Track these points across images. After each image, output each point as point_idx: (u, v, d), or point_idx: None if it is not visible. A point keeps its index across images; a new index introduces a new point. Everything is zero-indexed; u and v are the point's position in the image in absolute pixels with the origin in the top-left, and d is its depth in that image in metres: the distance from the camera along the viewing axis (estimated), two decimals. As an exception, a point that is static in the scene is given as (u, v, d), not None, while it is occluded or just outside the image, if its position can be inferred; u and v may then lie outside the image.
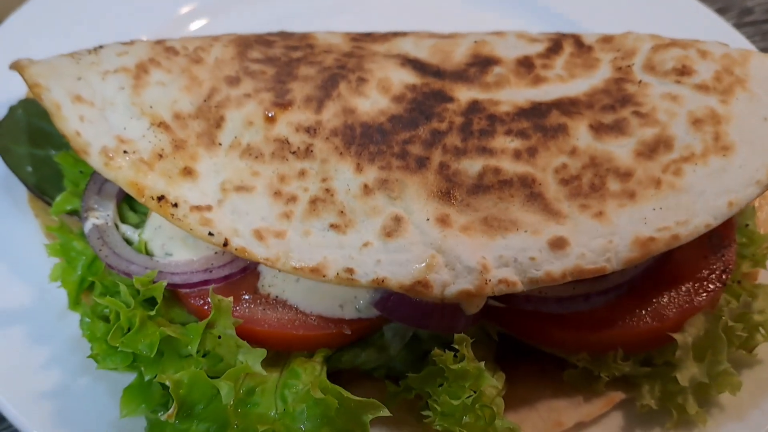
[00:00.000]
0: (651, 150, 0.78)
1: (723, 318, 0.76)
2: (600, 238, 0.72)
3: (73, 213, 0.83)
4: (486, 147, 0.77)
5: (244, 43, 0.89)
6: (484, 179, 0.75)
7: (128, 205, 0.83)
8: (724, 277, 0.78)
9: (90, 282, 0.77)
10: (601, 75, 0.88)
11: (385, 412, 0.65)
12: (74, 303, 0.76)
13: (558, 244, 0.71)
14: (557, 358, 0.80)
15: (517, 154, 0.77)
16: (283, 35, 0.93)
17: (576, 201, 0.74)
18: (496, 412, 0.68)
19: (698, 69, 0.87)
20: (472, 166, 0.76)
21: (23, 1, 1.12)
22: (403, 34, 0.95)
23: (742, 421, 0.77)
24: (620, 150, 0.78)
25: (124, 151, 0.77)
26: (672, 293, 0.77)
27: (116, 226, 0.79)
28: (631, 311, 0.76)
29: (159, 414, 0.64)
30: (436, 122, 0.80)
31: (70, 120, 0.78)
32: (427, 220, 0.73)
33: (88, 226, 0.77)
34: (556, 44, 0.92)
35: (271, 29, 1.13)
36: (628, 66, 0.89)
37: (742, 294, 0.79)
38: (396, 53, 0.90)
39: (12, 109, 0.96)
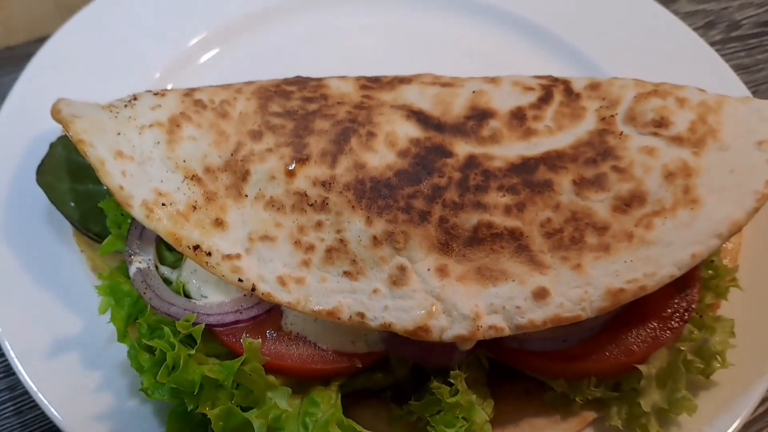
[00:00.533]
0: (626, 204, 0.88)
1: (683, 352, 0.88)
2: (577, 289, 0.83)
3: (117, 253, 0.94)
4: (480, 202, 0.88)
5: (265, 96, 0.99)
6: (478, 232, 0.86)
7: (165, 245, 0.94)
8: (686, 315, 0.89)
9: (135, 317, 0.89)
10: (586, 126, 0.97)
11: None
12: (122, 336, 0.88)
13: (540, 294, 0.82)
14: (540, 380, 0.92)
15: (507, 210, 0.88)
16: (300, 84, 1.03)
17: (558, 253, 0.85)
18: (485, 438, 0.80)
19: (675, 120, 0.97)
20: (468, 220, 0.87)
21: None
22: (409, 80, 1.04)
23: (697, 439, 0.89)
24: (598, 205, 0.88)
25: (162, 204, 0.88)
26: (639, 330, 0.88)
27: (156, 267, 0.90)
28: (603, 347, 0.87)
29: (204, 444, 0.76)
30: (436, 177, 0.90)
31: (114, 175, 0.89)
32: (428, 270, 0.84)
33: (132, 270, 0.88)
34: (547, 93, 1.01)
35: (279, 55, 1.22)
36: (612, 116, 0.98)
37: (703, 328, 0.91)
38: (402, 104, 0.99)
39: (52, 146, 1.05)
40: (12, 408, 0.97)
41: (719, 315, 0.95)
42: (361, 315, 0.83)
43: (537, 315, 0.82)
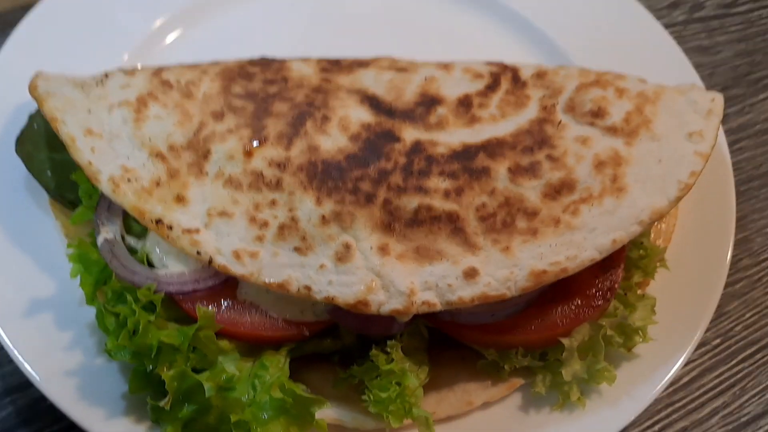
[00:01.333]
0: (556, 191, 0.96)
1: (604, 327, 0.96)
2: (504, 269, 0.91)
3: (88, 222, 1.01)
4: (422, 186, 0.95)
5: (228, 77, 1.05)
6: (418, 215, 0.94)
7: (131, 217, 1.01)
8: (608, 294, 0.97)
9: (103, 282, 0.97)
10: (528, 114, 1.04)
11: (328, 407, 0.86)
12: (91, 300, 0.96)
13: (470, 274, 0.90)
14: (474, 349, 1.01)
15: (446, 194, 0.95)
16: (263, 65, 1.09)
17: (490, 236, 0.93)
18: (414, 403, 0.89)
19: (611, 111, 1.03)
20: (410, 202, 0.94)
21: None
22: (367, 64, 1.10)
23: (615, 407, 0.97)
24: (530, 192, 0.96)
25: (128, 179, 0.95)
26: (564, 307, 0.96)
27: (123, 237, 0.98)
28: (529, 321, 0.96)
29: (159, 402, 0.85)
30: (383, 162, 0.97)
31: (83, 152, 0.96)
32: (371, 248, 0.92)
33: (100, 240, 0.96)
34: (494, 81, 1.08)
35: (242, 39, 1.27)
36: (553, 105, 1.05)
37: (627, 305, 0.99)
38: (357, 88, 1.06)
39: (31, 118, 1.11)
40: (-9, 361, 1.05)
41: (644, 293, 1.03)
42: (308, 288, 0.91)
43: (466, 292, 0.90)
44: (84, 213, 1.01)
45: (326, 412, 0.92)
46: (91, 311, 0.98)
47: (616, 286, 0.98)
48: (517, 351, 0.96)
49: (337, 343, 0.99)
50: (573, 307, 0.97)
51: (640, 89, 1.07)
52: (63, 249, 1.04)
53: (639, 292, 1.03)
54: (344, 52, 1.16)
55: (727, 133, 1.38)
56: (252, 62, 1.10)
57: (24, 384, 1.02)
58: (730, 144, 1.37)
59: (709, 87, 1.46)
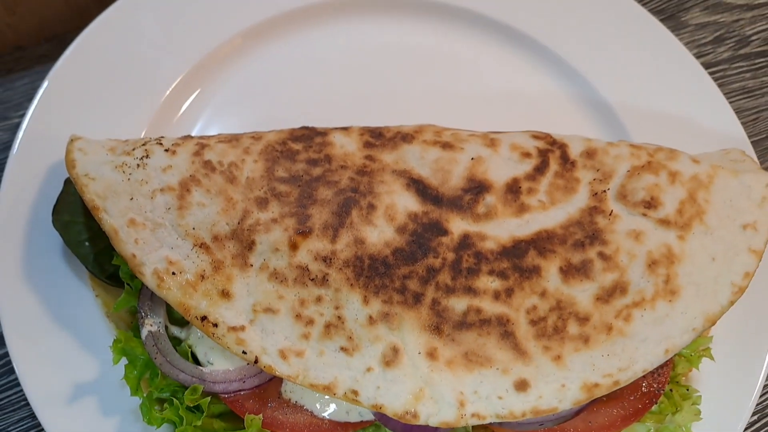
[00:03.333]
0: (608, 295, 0.94)
1: (650, 430, 0.96)
2: (555, 382, 0.90)
3: (131, 311, 1.00)
4: (471, 287, 0.94)
5: (271, 158, 1.02)
6: (467, 317, 0.92)
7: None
8: (656, 398, 0.96)
9: (146, 374, 0.96)
10: (578, 202, 1.01)
11: None
12: (135, 391, 0.95)
13: (522, 386, 0.90)
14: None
15: (496, 295, 0.93)
16: (305, 141, 1.05)
17: (540, 342, 0.92)
18: None
19: (664, 200, 1.01)
20: (458, 303, 0.93)
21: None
22: (411, 138, 1.07)
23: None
24: (582, 294, 0.94)
25: (173, 273, 0.94)
26: (610, 410, 0.96)
27: (166, 327, 0.97)
28: (576, 425, 0.95)
29: None
30: (431, 257, 0.95)
31: (127, 243, 0.94)
32: (419, 353, 0.91)
33: (144, 333, 0.95)
34: (543, 161, 1.04)
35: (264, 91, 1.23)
36: (604, 191, 1.02)
37: (672, 402, 0.99)
38: (403, 168, 1.03)
39: (66, 184, 1.09)
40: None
41: (688, 387, 1.02)
42: (355, 393, 0.90)
43: (517, 406, 0.89)
44: (126, 300, 0.99)
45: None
46: (133, 399, 0.98)
47: (663, 388, 0.97)
48: (564, 453, 0.96)
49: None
50: (620, 410, 0.96)
51: (694, 172, 1.04)
52: (103, 327, 1.04)
53: (683, 383, 1.02)
54: (378, 108, 1.14)
55: (772, 190, 1.34)
56: (294, 136, 1.06)
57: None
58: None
59: (753, 135, 1.42)
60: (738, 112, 1.37)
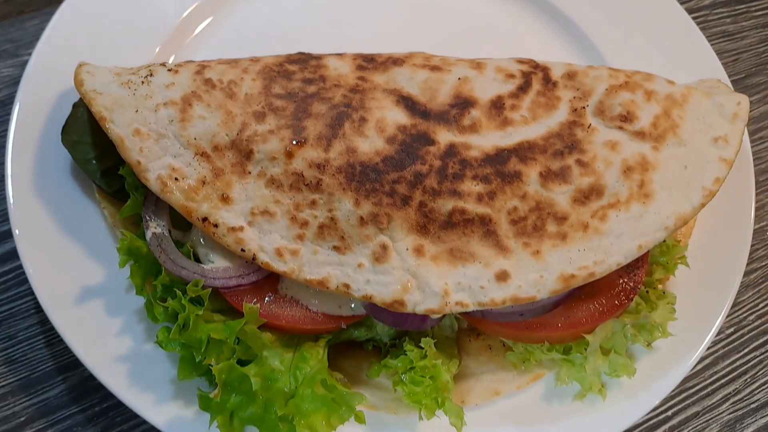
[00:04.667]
0: (585, 197, 1.00)
1: (626, 325, 1.01)
2: (534, 273, 0.96)
3: (136, 217, 1.06)
4: (456, 189, 0.99)
5: (269, 77, 1.08)
6: (452, 217, 0.98)
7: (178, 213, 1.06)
8: (631, 294, 1.02)
9: (151, 274, 1.02)
10: (558, 117, 1.07)
11: (367, 401, 0.93)
12: (140, 290, 1.01)
13: (502, 277, 0.95)
14: (502, 340, 1.06)
15: (479, 197, 0.99)
16: (301, 63, 1.11)
17: (521, 239, 0.98)
18: (446, 397, 0.95)
19: (640, 115, 1.06)
20: (444, 205, 0.99)
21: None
22: (401, 61, 1.13)
23: (633, 399, 1.03)
24: (560, 197, 1.00)
25: (175, 178, 1.00)
26: (589, 305, 1.02)
27: (170, 231, 1.03)
28: (556, 319, 1.01)
29: (209, 394, 0.91)
30: (419, 164, 1.01)
31: (132, 151, 1.00)
32: (407, 249, 0.97)
33: (149, 235, 1.01)
34: (526, 81, 1.10)
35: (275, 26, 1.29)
36: (583, 108, 1.08)
37: (648, 302, 1.04)
38: (393, 87, 1.09)
39: (75, 107, 1.15)
40: (43, 341, 1.12)
41: (664, 290, 1.08)
42: (347, 286, 0.96)
43: (498, 294, 0.95)
44: (131, 208, 1.05)
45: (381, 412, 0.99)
46: (138, 298, 1.04)
47: (639, 286, 1.03)
48: (543, 345, 1.02)
49: (370, 332, 1.05)
50: (597, 306, 1.02)
51: (668, 92, 1.10)
52: (110, 236, 1.09)
53: (660, 288, 1.08)
54: (377, 42, 1.19)
55: (749, 122, 1.40)
56: (290, 59, 1.12)
57: (76, 362, 1.09)
58: (752, 133, 1.41)
59: (732, 74, 1.48)
60: (718, 54, 1.42)
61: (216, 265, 1.00)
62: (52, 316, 1.02)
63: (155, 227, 1.02)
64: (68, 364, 1.10)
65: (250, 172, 1.02)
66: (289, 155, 1.01)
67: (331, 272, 0.97)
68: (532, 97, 1.09)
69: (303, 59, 1.13)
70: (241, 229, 0.99)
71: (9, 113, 1.15)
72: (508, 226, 0.98)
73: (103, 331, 1.03)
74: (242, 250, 0.98)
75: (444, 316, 1.02)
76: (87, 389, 1.08)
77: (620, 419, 1.02)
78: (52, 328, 1.12)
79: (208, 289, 0.96)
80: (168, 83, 1.06)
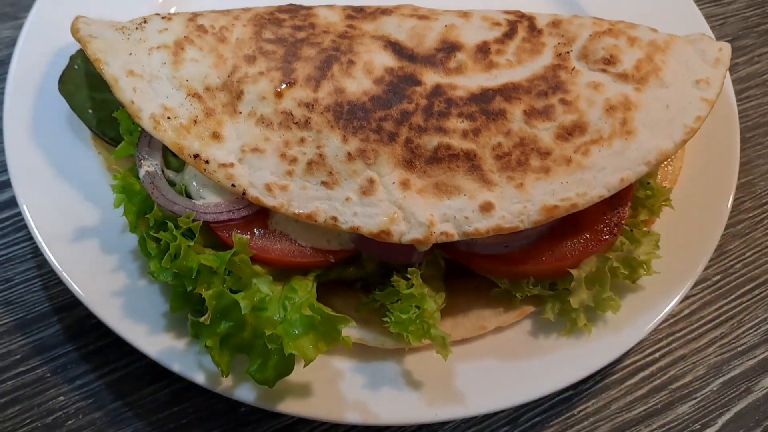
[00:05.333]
0: (568, 133, 1.02)
1: (610, 259, 1.03)
2: (518, 204, 0.98)
3: (129, 156, 1.09)
4: (442, 126, 1.02)
5: (259, 23, 1.11)
6: (438, 153, 1.00)
7: (170, 152, 1.08)
8: (615, 229, 1.04)
9: (144, 212, 1.04)
10: (543, 61, 1.09)
11: (353, 325, 0.94)
12: (133, 228, 1.03)
13: (486, 208, 0.97)
14: (488, 278, 1.08)
15: (464, 134, 1.01)
16: (291, 12, 1.14)
17: (505, 173, 1.00)
18: (432, 324, 0.97)
19: (623, 59, 1.09)
20: (430, 141, 1.01)
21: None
22: (390, 11, 1.16)
23: (618, 334, 1.05)
24: (544, 133, 1.02)
25: (168, 117, 1.02)
26: (573, 240, 1.03)
27: (162, 170, 1.05)
28: (541, 252, 1.03)
29: (199, 319, 0.93)
30: (405, 103, 1.03)
31: (126, 91, 1.03)
32: (393, 183, 0.99)
33: (142, 173, 1.03)
34: (512, 29, 1.13)
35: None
36: (567, 52, 1.10)
37: (633, 240, 1.06)
38: (381, 34, 1.11)
39: (72, 59, 1.18)
40: (40, 283, 1.14)
41: (649, 230, 1.10)
42: (335, 219, 0.98)
43: (482, 224, 0.97)
44: (125, 149, 1.08)
45: (350, 332, 1.00)
46: (132, 239, 1.06)
47: (623, 222, 1.05)
48: (529, 281, 1.04)
49: (359, 271, 1.07)
50: (582, 241, 1.04)
51: (651, 38, 1.12)
52: (105, 182, 1.12)
53: (645, 229, 1.10)
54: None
55: (735, 81, 1.43)
56: (281, 9, 1.15)
57: (71, 303, 1.11)
58: (738, 92, 1.43)
59: (720, 37, 1.51)
60: (706, 18, 1.45)
61: (207, 201, 1.02)
62: (48, 253, 1.04)
63: (148, 166, 1.04)
64: (64, 305, 1.12)
65: (240, 112, 1.04)
66: (279, 95, 1.04)
67: (320, 206, 0.99)
68: (518, 43, 1.11)
69: (293, 9, 1.16)
70: (232, 165, 1.01)
71: (8, 72, 1.18)
72: (492, 161, 1.00)
73: (98, 268, 1.05)
74: (233, 185, 1.00)
75: (431, 251, 1.03)
76: (82, 329, 1.10)
77: (605, 353, 1.03)
78: (49, 271, 1.14)
79: (199, 222, 0.99)
80: (161, 29, 1.09)
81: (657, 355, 1.15)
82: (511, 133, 1.02)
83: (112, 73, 1.03)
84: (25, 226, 1.17)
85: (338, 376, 1.00)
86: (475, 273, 1.08)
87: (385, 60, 1.08)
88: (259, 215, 1.03)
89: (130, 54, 1.05)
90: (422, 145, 1.01)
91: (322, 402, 0.98)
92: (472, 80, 1.06)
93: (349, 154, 1.00)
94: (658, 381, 1.13)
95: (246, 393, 0.97)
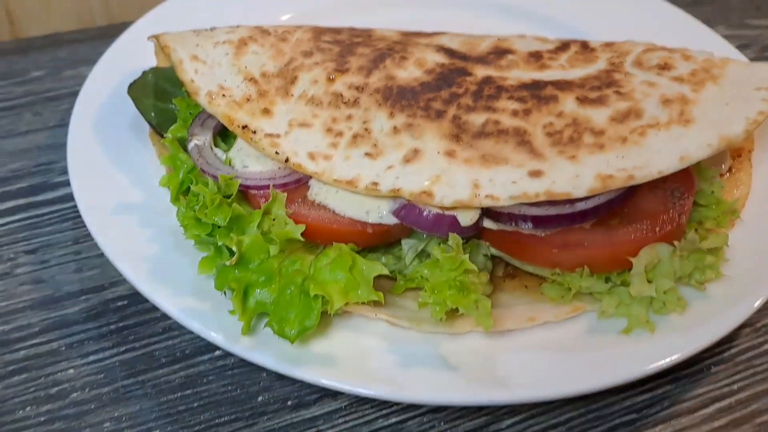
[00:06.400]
0: (623, 117, 0.98)
1: (674, 249, 0.94)
2: (570, 172, 0.92)
3: (182, 139, 1.10)
4: (491, 106, 1.00)
5: (319, 30, 1.17)
6: (486, 128, 0.98)
7: (221, 138, 1.10)
8: (679, 219, 0.96)
9: (188, 186, 1.03)
10: (596, 67, 1.09)
11: (385, 271, 0.87)
12: (175, 199, 1.02)
13: (536, 174, 0.92)
14: (539, 278, 1.00)
15: (515, 113, 0.99)
16: (351, 28, 1.20)
17: (556, 148, 0.96)
18: (473, 290, 0.88)
19: (678, 66, 1.07)
20: (478, 118, 0.99)
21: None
22: (443, 33, 1.20)
23: (684, 335, 0.92)
24: (598, 115, 0.99)
25: (223, 95, 1.05)
26: (630, 228, 0.95)
27: (210, 148, 1.06)
28: (595, 238, 0.95)
29: (226, 262, 0.88)
30: (455, 88, 1.03)
31: (188, 72, 1.07)
32: (438, 152, 0.96)
33: (191, 146, 1.04)
34: (564, 45, 1.15)
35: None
36: (620, 62, 1.10)
37: (700, 235, 0.97)
38: (435, 44, 1.15)
39: (144, 73, 1.25)
40: (73, 267, 1.11)
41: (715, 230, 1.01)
42: (375, 184, 0.95)
43: (531, 188, 0.91)
44: (179, 129, 1.10)
45: (383, 312, 0.92)
46: (172, 219, 1.04)
47: (685, 214, 0.97)
48: (582, 272, 0.95)
49: (397, 263, 1.00)
50: (641, 228, 0.96)
51: (707, 56, 1.11)
52: (156, 172, 1.12)
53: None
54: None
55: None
56: (339, 28, 1.22)
57: (97, 287, 1.08)
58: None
59: None
60: None
61: (250, 169, 1.01)
62: (88, 222, 1.02)
63: (198, 139, 1.05)
64: (92, 288, 1.08)
65: (292, 95, 1.06)
66: (331, 80, 1.06)
67: (361, 173, 0.96)
68: (570, 54, 1.12)
69: (351, 28, 1.22)
70: (278, 136, 1.01)
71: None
72: (543, 138, 0.97)
73: (132, 237, 1.02)
74: (276, 153, 0.99)
75: (477, 238, 0.97)
76: (106, 311, 1.05)
77: (666, 353, 0.90)
78: (85, 257, 1.12)
79: (237, 181, 0.97)
80: (228, 31, 1.15)
81: (735, 387, 1.00)
82: (563, 114, 0.99)
83: (178, 56, 1.09)
84: (72, 218, 1.17)
85: (368, 353, 0.91)
86: (525, 272, 1.00)
87: (437, 57, 1.10)
88: (300, 187, 1.01)
89: (197, 45, 1.11)
90: (470, 121, 0.99)
91: (347, 372, 0.88)
92: (523, 74, 1.06)
93: (395, 127, 0.99)
94: (739, 414, 0.97)
95: (264, 356, 0.88)
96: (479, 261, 1.00)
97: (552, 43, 1.15)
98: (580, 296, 0.97)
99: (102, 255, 1.08)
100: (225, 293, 0.91)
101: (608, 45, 1.15)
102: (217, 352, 1.00)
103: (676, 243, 0.94)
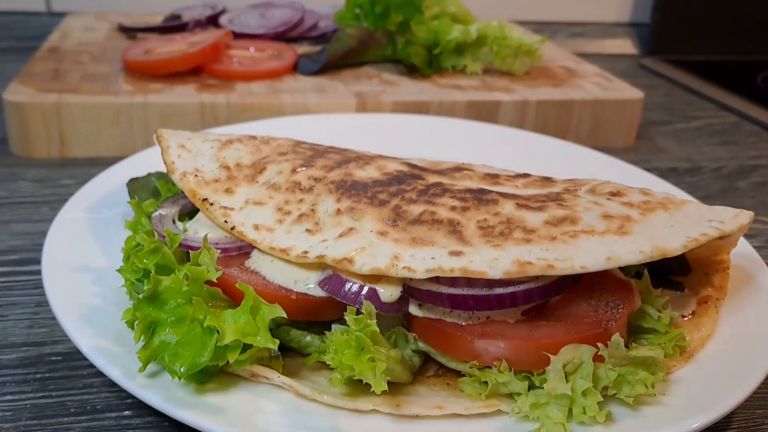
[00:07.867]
0: (558, 221, 1.00)
1: (596, 352, 0.89)
2: (489, 256, 0.93)
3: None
4: (432, 201, 1.04)
5: (301, 141, 1.27)
6: (422, 216, 1.01)
7: (188, 218, 1.17)
8: (605, 324, 0.92)
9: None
10: (549, 190, 1.12)
11: (282, 313, 0.87)
12: (126, 259, 1.07)
13: (456, 254, 0.93)
14: (462, 375, 0.95)
15: (453, 208, 1.03)
16: (333, 146, 1.30)
17: (484, 238, 0.97)
18: (378, 358, 0.86)
19: (631, 196, 1.09)
20: (417, 209, 1.03)
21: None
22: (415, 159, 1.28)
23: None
24: (533, 218, 1.00)
25: (195, 176, 1.14)
26: (555, 326, 0.92)
27: (173, 220, 1.13)
28: (517, 330, 0.92)
29: (140, 295, 0.91)
30: (404, 186, 1.09)
31: (172, 155, 1.18)
32: (371, 231, 0.99)
33: (155, 214, 1.12)
34: (526, 175, 1.19)
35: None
36: (575, 188, 1.13)
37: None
38: (402, 160, 1.22)
39: (148, 174, 1.38)
40: (27, 322, 1.15)
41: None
42: (306, 252, 0.98)
43: (448, 263, 0.92)
44: (152, 204, 1.19)
45: (284, 379, 0.91)
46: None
47: (615, 321, 0.93)
48: (500, 364, 0.91)
49: (321, 343, 0.99)
50: (565, 327, 0.92)
51: (666, 194, 1.12)
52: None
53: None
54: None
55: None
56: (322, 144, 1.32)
57: (39, 342, 1.10)
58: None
59: None
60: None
61: (199, 234, 1.07)
62: (46, 278, 1.08)
63: (163, 210, 1.13)
64: (34, 342, 1.10)
65: (257, 182, 1.14)
66: (294, 172, 1.14)
67: (297, 244, 1.00)
68: (528, 181, 1.17)
69: (333, 146, 1.32)
70: (232, 209, 1.08)
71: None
72: (475, 229, 0.99)
73: (79, 290, 1.05)
74: (225, 221, 1.05)
75: (398, 308, 0.96)
76: (38, 362, 1.06)
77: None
78: (41, 317, 1.16)
79: (179, 237, 1.02)
80: (222, 134, 1.28)
81: None
82: (500, 214, 1.02)
83: (168, 143, 1.21)
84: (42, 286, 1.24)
85: (261, 411, 0.88)
86: (450, 370, 0.97)
87: (398, 167, 1.17)
88: (241, 255, 1.05)
89: (189, 139, 1.24)
90: (409, 211, 1.03)
91: (231, 422, 0.84)
92: (473, 185, 1.11)
93: (339, 210, 1.04)
94: None
95: (153, 396, 0.87)
96: (406, 354, 0.98)
97: (512, 172, 1.20)
98: (500, 397, 0.92)
99: (54, 318, 1.12)
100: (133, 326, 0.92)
101: (569, 180, 1.19)
102: (126, 412, 0.98)
103: (599, 345, 0.90)
